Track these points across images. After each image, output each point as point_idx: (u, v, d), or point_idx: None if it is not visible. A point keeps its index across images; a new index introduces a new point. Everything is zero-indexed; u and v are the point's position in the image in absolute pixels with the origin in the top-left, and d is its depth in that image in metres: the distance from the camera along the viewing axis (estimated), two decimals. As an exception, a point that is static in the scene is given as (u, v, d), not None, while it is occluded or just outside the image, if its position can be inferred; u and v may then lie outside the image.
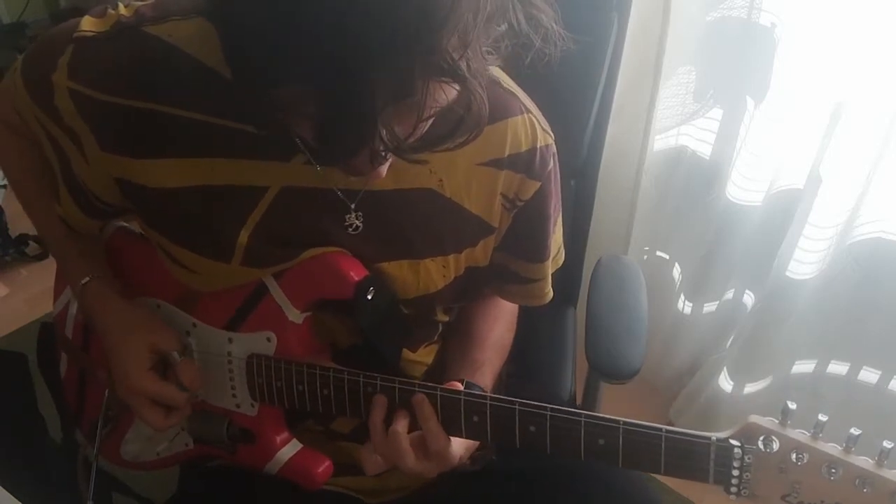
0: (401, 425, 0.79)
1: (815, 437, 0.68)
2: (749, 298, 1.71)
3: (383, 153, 0.61)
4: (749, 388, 1.72)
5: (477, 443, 0.85)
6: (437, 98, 0.57)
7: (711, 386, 1.75)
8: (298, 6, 0.51)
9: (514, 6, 0.60)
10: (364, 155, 0.60)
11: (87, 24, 0.77)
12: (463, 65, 0.55)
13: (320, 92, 0.55)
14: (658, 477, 1.73)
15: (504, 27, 0.60)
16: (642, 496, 0.94)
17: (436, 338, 0.95)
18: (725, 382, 1.75)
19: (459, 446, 0.82)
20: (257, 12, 0.53)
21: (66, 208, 0.87)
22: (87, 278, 0.88)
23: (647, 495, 0.94)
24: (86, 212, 0.87)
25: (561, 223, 0.96)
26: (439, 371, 0.97)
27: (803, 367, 1.63)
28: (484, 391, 0.86)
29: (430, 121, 0.62)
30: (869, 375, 1.57)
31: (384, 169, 0.67)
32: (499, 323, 0.99)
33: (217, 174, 0.77)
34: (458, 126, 0.62)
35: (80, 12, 0.79)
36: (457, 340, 0.96)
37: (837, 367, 1.60)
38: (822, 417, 0.68)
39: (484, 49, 0.58)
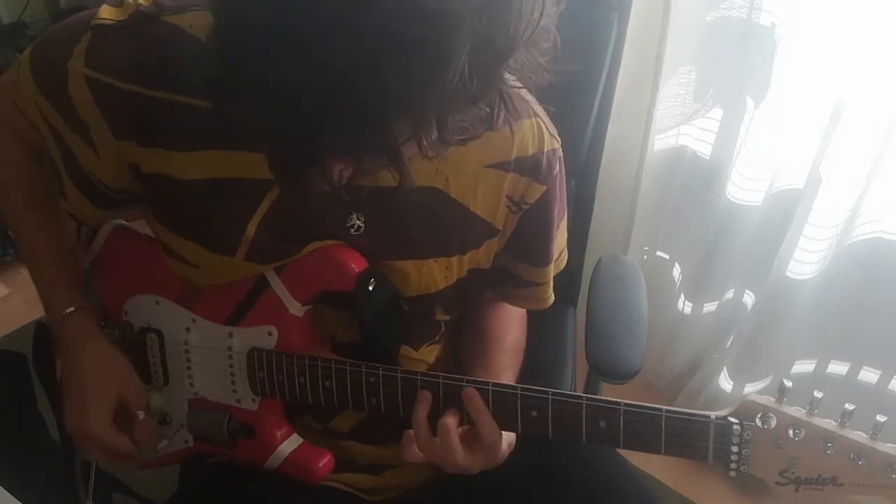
0: (451, 419, 0.79)
1: (810, 413, 0.70)
2: (749, 298, 1.71)
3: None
4: (749, 388, 1.73)
5: (514, 436, 0.84)
6: (376, 162, 0.59)
7: (711, 386, 1.76)
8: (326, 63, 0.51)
9: (493, 103, 0.63)
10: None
11: (106, 13, 0.76)
12: (407, 147, 0.57)
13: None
14: (658, 476, 1.73)
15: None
16: (642, 496, 0.94)
17: (437, 337, 0.95)
18: (725, 382, 1.75)
19: (505, 439, 0.81)
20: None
21: (74, 201, 0.86)
22: (73, 308, 0.87)
23: (647, 495, 0.94)
24: (95, 202, 0.86)
25: (565, 227, 0.96)
26: (445, 371, 0.96)
27: (803, 367, 1.64)
28: None
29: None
30: (869, 375, 1.57)
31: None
32: (513, 325, 0.99)
33: (230, 166, 0.77)
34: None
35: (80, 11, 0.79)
36: (473, 344, 0.96)
37: (837, 367, 1.60)
38: (818, 394, 0.70)
39: (449, 129, 0.59)
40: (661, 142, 1.64)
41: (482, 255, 0.87)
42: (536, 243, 0.91)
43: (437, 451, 0.80)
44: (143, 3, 0.76)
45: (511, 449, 0.83)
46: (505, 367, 0.92)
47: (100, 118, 0.77)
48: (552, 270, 0.95)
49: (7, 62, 2.49)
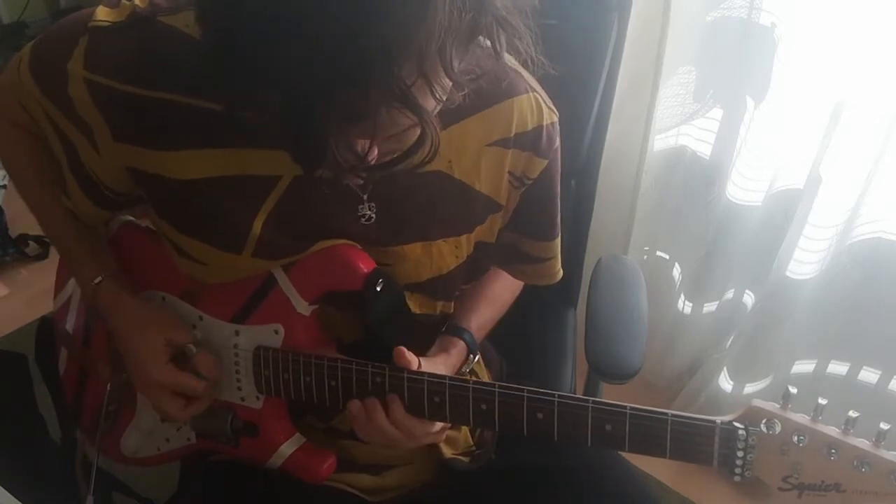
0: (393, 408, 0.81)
1: (814, 419, 0.70)
2: (749, 298, 1.71)
3: (345, 168, 0.62)
4: (749, 388, 1.73)
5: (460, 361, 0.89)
6: (395, 122, 0.59)
7: (711, 386, 1.76)
8: (267, 35, 0.54)
9: (491, 30, 0.62)
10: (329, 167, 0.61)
11: (103, 14, 0.77)
12: (420, 91, 0.57)
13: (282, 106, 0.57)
14: (658, 477, 1.73)
15: (473, 54, 0.63)
16: (642, 496, 0.94)
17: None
18: (725, 382, 1.75)
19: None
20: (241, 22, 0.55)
21: (76, 200, 0.87)
22: (100, 278, 0.88)
23: (647, 495, 0.94)
24: (96, 202, 0.87)
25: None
26: None
27: (803, 367, 1.64)
28: (468, 330, 0.91)
29: (392, 142, 0.64)
30: (869, 375, 1.57)
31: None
32: (499, 279, 1.00)
33: (232, 164, 0.77)
34: (408, 154, 0.65)
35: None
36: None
37: (837, 367, 1.60)
38: (822, 401, 0.70)
39: (455, 69, 0.60)
40: (661, 142, 1.64)
41: (487, 230, 0.88)
42: (542, 217, 0.91)
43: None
44: (139, 4, 0.76)
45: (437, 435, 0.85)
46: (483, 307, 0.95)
47: (99, 118, 0.77)
48: (559, 244, 0.96)
49: (7, 62, 2.49)
